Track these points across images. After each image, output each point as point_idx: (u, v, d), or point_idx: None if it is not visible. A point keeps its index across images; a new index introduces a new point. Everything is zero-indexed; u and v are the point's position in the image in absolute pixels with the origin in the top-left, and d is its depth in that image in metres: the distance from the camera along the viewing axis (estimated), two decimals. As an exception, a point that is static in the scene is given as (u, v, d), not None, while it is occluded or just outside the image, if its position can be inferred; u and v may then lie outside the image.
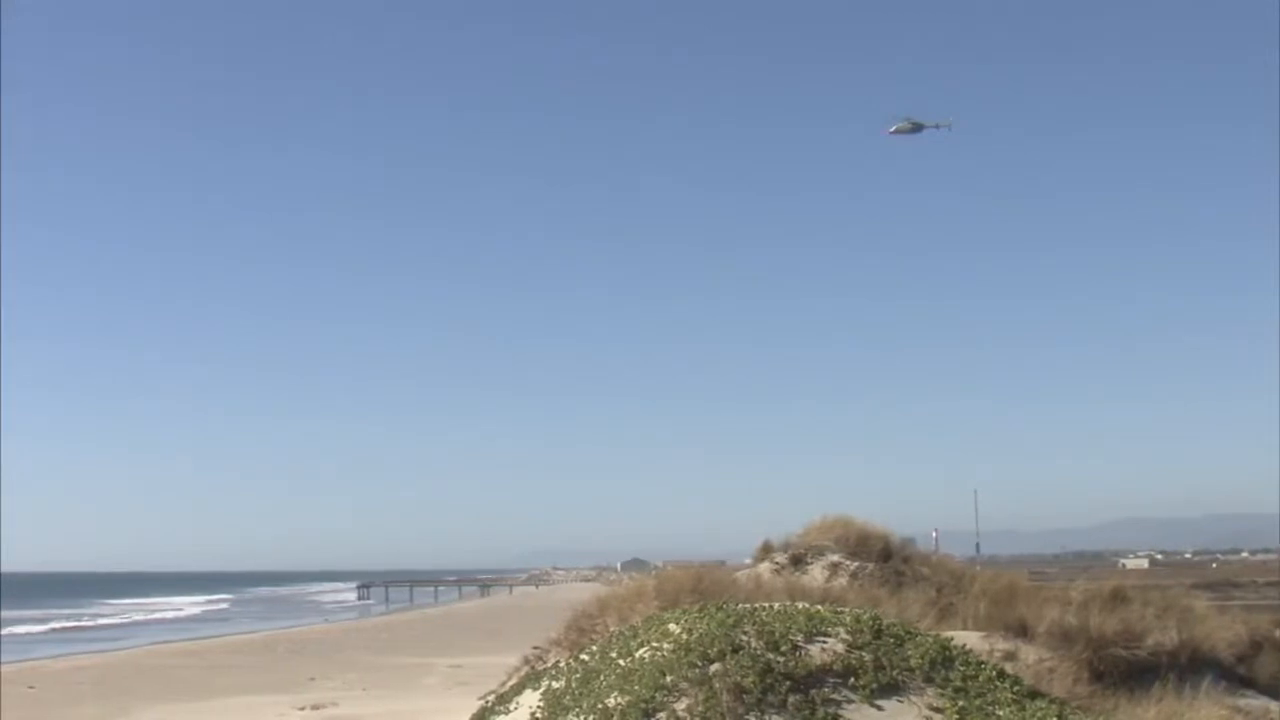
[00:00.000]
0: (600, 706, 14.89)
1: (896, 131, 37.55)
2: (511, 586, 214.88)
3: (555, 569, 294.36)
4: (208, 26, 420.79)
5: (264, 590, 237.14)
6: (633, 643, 16.85)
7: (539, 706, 16.46)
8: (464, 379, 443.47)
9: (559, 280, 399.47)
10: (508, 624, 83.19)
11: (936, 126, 37.81)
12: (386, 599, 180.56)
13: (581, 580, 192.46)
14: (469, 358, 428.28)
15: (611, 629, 20.38)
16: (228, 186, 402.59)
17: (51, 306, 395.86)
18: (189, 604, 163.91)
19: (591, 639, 20.70)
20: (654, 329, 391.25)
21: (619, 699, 14.83)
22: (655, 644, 16.17)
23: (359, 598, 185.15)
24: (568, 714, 15.45)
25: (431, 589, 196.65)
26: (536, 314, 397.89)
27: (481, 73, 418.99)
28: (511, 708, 17.94)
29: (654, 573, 35.69)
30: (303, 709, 37.51)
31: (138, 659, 65.47)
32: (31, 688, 47.80)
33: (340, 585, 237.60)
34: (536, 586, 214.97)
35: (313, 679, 48.16)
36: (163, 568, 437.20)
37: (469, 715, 20.30)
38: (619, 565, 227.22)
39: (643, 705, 14.46)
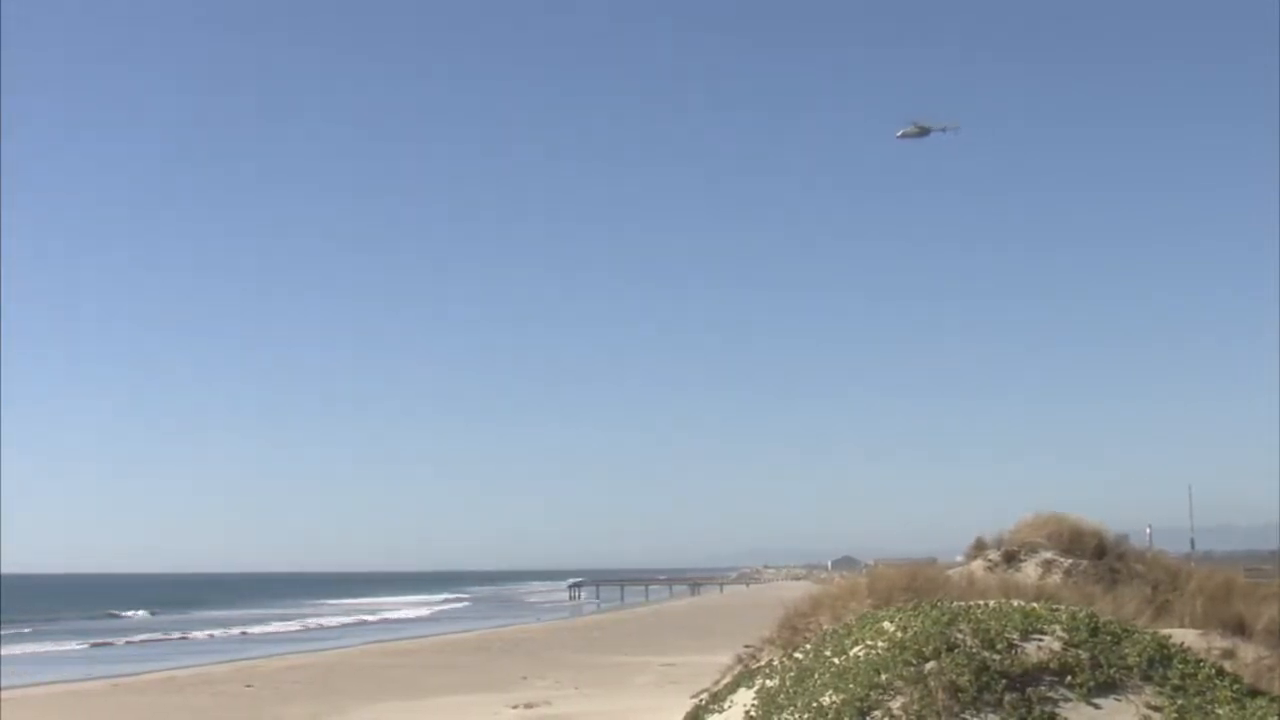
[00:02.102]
0: (815, 705, 15.01)
1: (904, 135, 37.45)
2: (722, 585, 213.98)
3: (766, 567, 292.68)
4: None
5: (483, 589, 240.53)
6: (847, 641, 16.92)
7: (753, 705, 16.61)
8: (675, 378, 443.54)
9: (770, 279, 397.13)
10: (719, 622, 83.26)
11: (944, 129, 37.72)
12: (598, 597, 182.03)
13: (792, 579, 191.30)
14: (680, 358, 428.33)
15: (825, 627, 20.44)
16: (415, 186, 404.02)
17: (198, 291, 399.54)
18: (421, 603, 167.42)
19: (805, 637, 20.79)
20: (864, 330, 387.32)
21: (834, 697, 14.94)
22: (869, 642, 16.23)
23: (570, 597, 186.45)
24: (782, 712, 15.59)
25: (642, 588, 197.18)
26: (750, 315, 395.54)
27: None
28: (725, 706, 18.11)
29: (865, 571, 35.64)
30: (516, 707, 37.84)
31: (352, 658, 66.70)
32: (249, 686, 49.09)
33: (553, 584, 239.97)
34: (747, 585, 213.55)
35: (525, 678, 48.65)
36: (384, 569, 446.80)
37: (682, 714, 20.48)
38: (829, 563, 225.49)
39: (857, 704, 14.55)
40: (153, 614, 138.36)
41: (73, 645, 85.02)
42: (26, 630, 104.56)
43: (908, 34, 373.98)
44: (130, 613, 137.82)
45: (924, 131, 37.09)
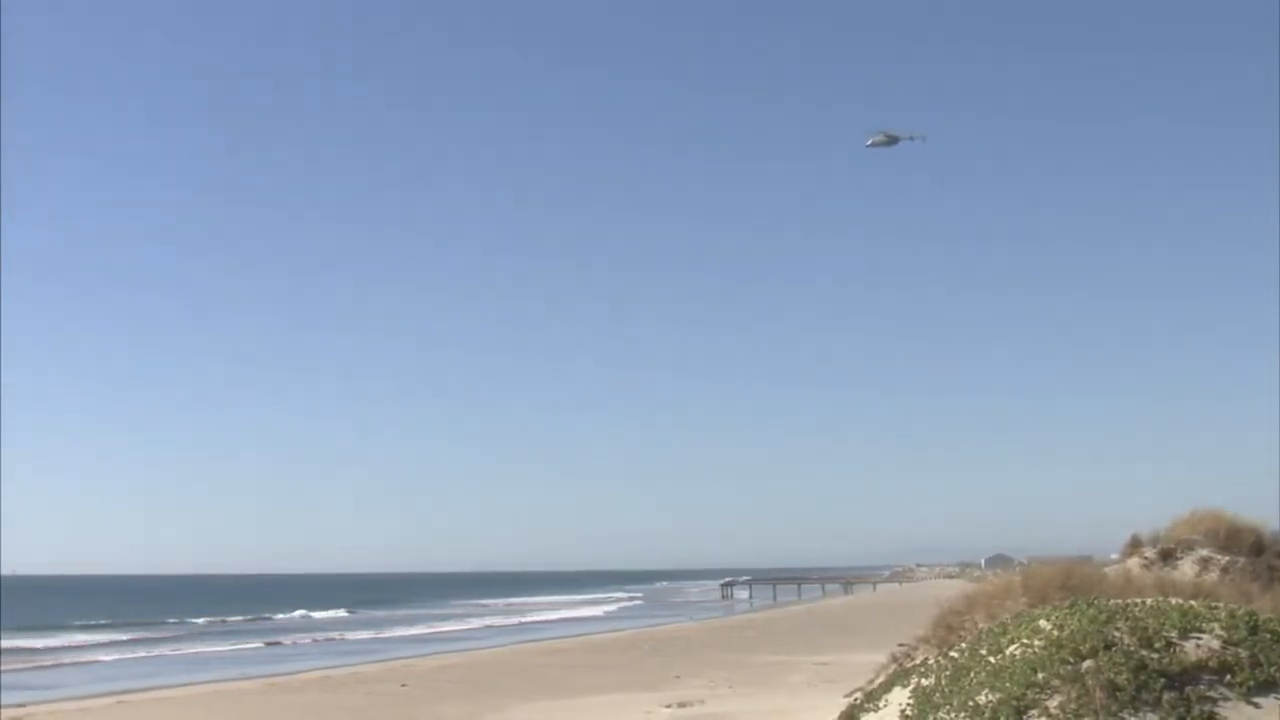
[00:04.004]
0: (971, 704, 15.07)
1: (874, 144, 37.35)
2: (875, 584, 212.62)
3: (919, 566, 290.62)
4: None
5: (645, 588, 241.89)
6: (1003, 639, 16.94)
7: (909, 704, 16.69)
8: (835, 380, 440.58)
9: (918, 281, 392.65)
10: (872, 621, 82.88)
11: (911, 138, 37.56)
12: (750, 596, 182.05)
13: (945, 577, 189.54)
14: (841, 360, 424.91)
15: (980, 626, 20.46)
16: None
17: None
18: (595, 601, 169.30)
19: (960, 636, 20.82)
20: (1015, 328, 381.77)
21: (990, 696, 14.98)
22: (1026, 641, 16.24)
23: (723, 596, 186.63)
24: (938, 711, 15.66)
25: (795, 586, 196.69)
26: (910, 315, 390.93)
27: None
28: (881, 705, 18.22)
29: (1020, 569, 35.45)
30: (669, 706, 37.93)
31: (505, 657, 67.20)
32: (404, 685, 49.63)
33: (705, 584, 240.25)
34: (900, 584, 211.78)
35: (678, 677, 48.75)
36: (552, 568, 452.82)
37: (837, 713, 20.59)
38: (983, 562, 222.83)
39: (1014, 702, 14.58)
40: (351, 612, 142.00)
41: (240, 645, 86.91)
42: (210, 630, 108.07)
43: (907, 29, 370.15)
44: (326, 613, 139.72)
45: (892, 140, 37.28)
